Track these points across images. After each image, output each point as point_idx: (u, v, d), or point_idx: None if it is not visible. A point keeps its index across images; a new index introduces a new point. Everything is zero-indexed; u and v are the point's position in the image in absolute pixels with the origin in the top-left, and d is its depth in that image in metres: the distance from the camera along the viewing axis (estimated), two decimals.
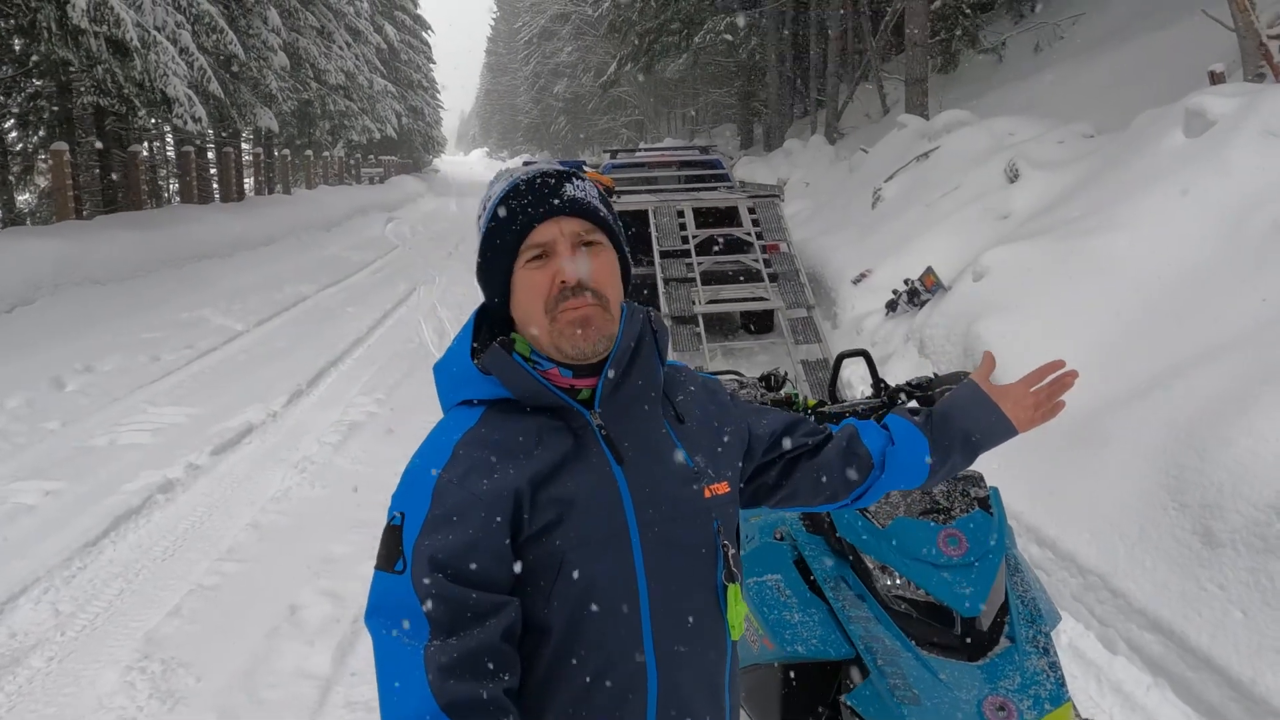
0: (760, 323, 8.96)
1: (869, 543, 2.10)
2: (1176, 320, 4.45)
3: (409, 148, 43.40)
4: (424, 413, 6.56)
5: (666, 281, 7.49)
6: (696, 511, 1.23)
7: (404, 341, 9.12)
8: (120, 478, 5.17)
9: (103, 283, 11.00)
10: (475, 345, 1.27)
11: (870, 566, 2.09)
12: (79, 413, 6.43)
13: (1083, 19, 14.01)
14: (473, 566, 1.12)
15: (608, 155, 11.41)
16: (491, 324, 1.30)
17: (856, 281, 7.73)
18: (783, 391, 2.57)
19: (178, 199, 18.29)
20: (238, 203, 18.81)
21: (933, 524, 2.06)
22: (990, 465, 4.31)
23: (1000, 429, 1.45)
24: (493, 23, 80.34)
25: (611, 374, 1.21)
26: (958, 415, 1.44)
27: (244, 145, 22.21)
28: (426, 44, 47.74)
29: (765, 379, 2.77)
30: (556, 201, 1.20)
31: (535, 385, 1.19)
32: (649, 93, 34.51)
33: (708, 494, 1.25)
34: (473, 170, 70.42)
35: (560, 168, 1.26)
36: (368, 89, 29.73)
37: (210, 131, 17.17)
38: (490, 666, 1.10)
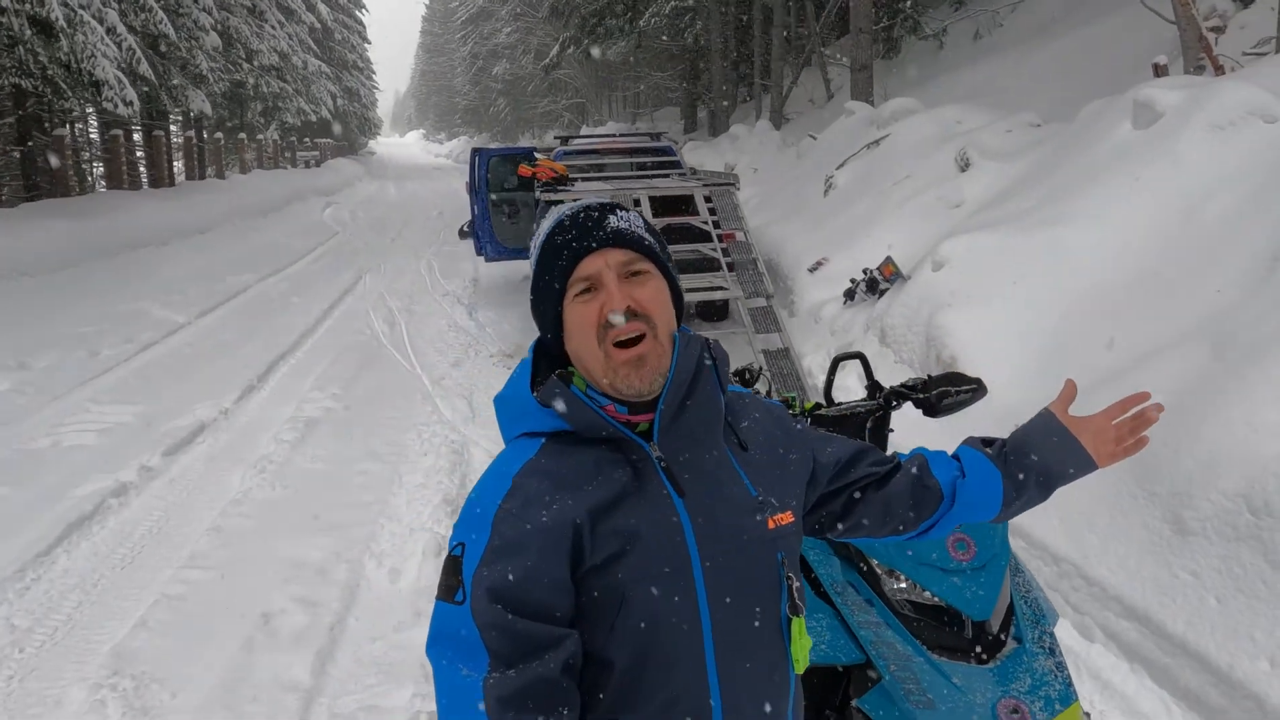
0: (717, 311, 8.98)
1: (877, 548, 2.11)
2: (1135, 311, 4.58)
3: (344, 130, 42.44)
4: (382, 407, 6.46)
5: None
6: (760, 543, 1.23)
7: (355, 333, 8.94)
8: (68, 482, 4.98)
9: (31, 274, 10.57)
10: (535, 378, 1.26)
11: (878, 572, 2.11)
12: (17, 413, 6.17)
13: (1021, 6, 14.27)
14: (532, 598, 1.12)
15: (558, 141, 11.29)
16: (549, 360, 1.29)
17: (813, 270, 7.79)
18: (757, 386, 2.57)
19: (103, 185, 17.64)
20: (169, 188, 18.22)
21: None
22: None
23: (1079, 463, 1.40)
24: (428, 1, 78.86)
25: (665, 409, 1.20)
26: (1034, 447, 1.41)
27: (172, 128, 21.47)
28: (360, 23, 46.70)
29: (740, 374, 2.77)
30: (600, 234, 1.22)
31: (593, 417, 1.19)
32: (590, 75, 34.26)
33: (771, 525, 1.24)
34: (410, 153, 69.24)
35: (604, 201, 1.28)
36: (302, 70, 28.99)
37: (133, 114, 16.56)
38: (550, 700, 1.09)
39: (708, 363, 1.26)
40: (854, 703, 2.06)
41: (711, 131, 22.08)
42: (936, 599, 2.04)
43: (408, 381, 7.16)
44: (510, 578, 1.12)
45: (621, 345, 1.18)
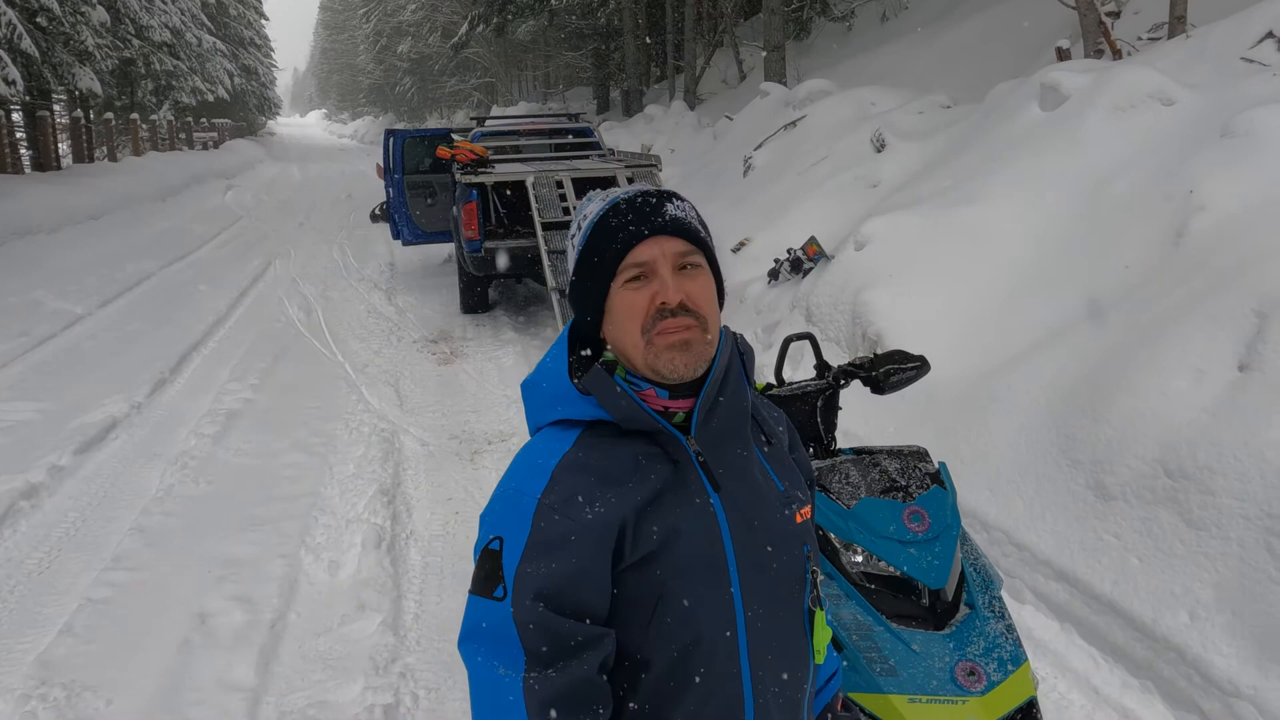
0: None
1: (836, 523, 2.17)
2: (1047, 287, 4.78)
3: (243, 110, 40.88)
4: (305, 397, 6.29)
5: (550, 254, 7.41)
6: (790, 536, 1.24)
7: (269, 321, 8.67)
8: None
9: None
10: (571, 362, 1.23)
11: (837, 546, 2.17)
12: None
13: None
14: (576, 597, 1.11)
15: (474, 122, 11.11)
16: (582, 343, 1.27)
17: (736, 250, 7.88)
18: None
19: None
20: (57, 172, 17.24)
21: (897, 502, 2.16)
22: (888, 431, 4.52)
23: None
24: None
25: (704, 399, 1.19)
26: None
27: (57, 108, 20.30)
28: None
29: None
30: (659, 220, 1.18)
31: (636, 410, 1.16)
32: (500, 55, 33.75)
33: (799, 519, 1.25)
34: (312, 133, 67.15)
35: (660, 189, 1.24)
36: (196, 47, 27.76)
37: (16, 93, 15.61)
38: (589, 700, 1.09)
39: (737, 357, 1.26)
40: None
41: (626, 112, 22.02)
42: (893, 570, 2.11)
43: (330, 370, 6.99)
44: (556, 576, 1.10)
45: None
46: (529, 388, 1.26)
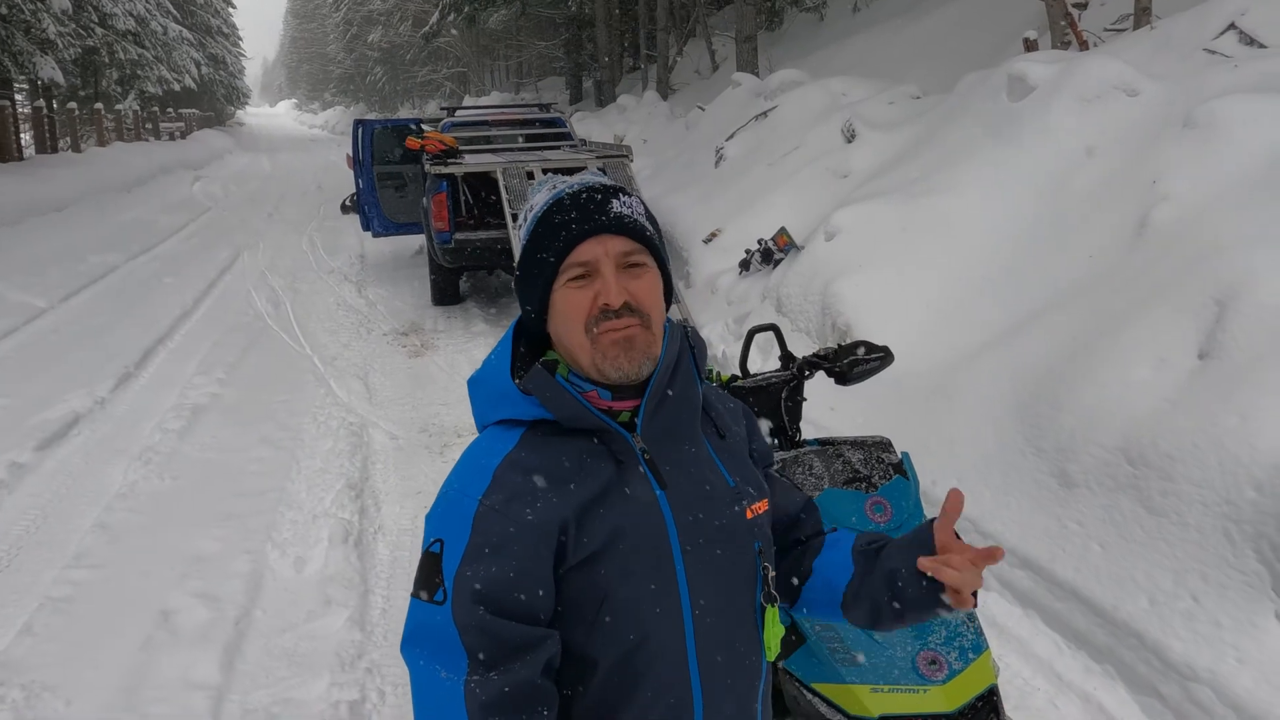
0: None
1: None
2: (1014, 277, 4.82)
3: (211, 100, 40.32)
4: (273, 391, 6.22)
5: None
6: (739, 533, 1.22)
7: (237, 314, 8.56)
8: None
9: None
10: (514, 362, 1.22)
11: None
12: None
13: None
14: (517, 599, 1.09)
15: (444, 112, 11.01)
16: (528, 338, 1.25)
17: (707, 241, 7.88)
18: None
19: None
20: (18, 163, 16.91)
21: (859, 493, 2.17)
22: (855, 421, 4.54)
23: (930, 602, 1.21)
24: None
25: (651, 395, 1.17)
26: (898, 563, 1.25)
27: (18, 97, 19.91)
28: None
29: None
30: (603, 218, 1.15)
31: (578, 409, 1.15)
32: (472, 44, 33.49)
33: (749, 515, 1.23)
34: (282, 123, 66.38)
35: (607, 182, 1.21)
36: (162, 35, 27.33)
37: None
38: (531, 703, 1.08)
39: (687, 351, 1.24)
40: (781, 664, 2.12)
41: (598, 102, 21.95)
42: None
43: (298, 363, 6.92)
44: (494, 579, 1.09)
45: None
46: (475, 385, 1.24)
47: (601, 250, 1.15)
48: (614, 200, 1.18)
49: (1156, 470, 3.03)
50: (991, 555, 1.15)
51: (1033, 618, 3.14)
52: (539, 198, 1.22)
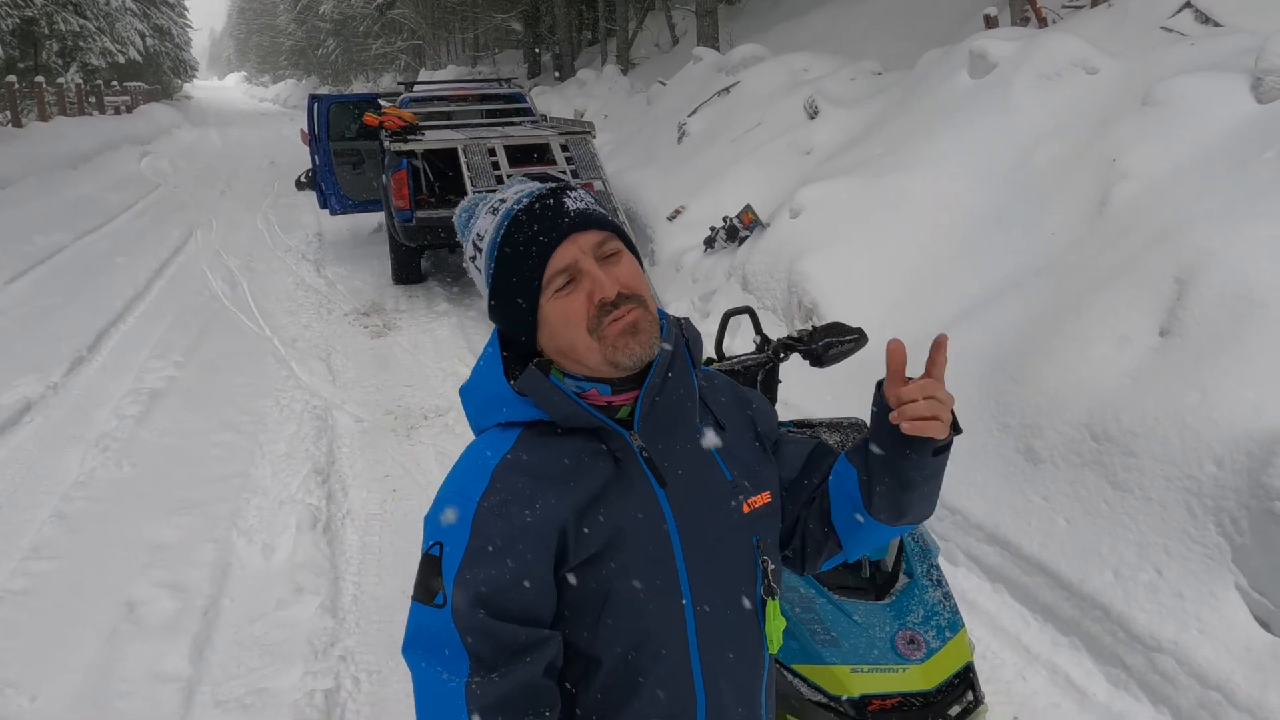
0: None
1: None
2: (978, 254, 4.87)
3: (157, 73, 39.15)
4: (232, 374, 6.11)
5: None
6: (737, 528, 1.22)
7: (192, 294, 8.38)
8: None
9: None
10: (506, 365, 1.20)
11: None
12: None
13: None
14: (516, 601, 1.08)
15: (402, 88, 10.82)
16: (514, 347, 1.23)
17: (671, 218, 7.85)
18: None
19: None
20: None
21: None
22: (825, 398, 4.57)
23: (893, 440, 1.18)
24: None
25: (649, 388, 1.16)
26: (871, 435, 1.23)
27: None
28: None
29: None
30: (565, 221, 1.14)
31: (574, 408, 1.13)
32: (427, 16, 32.89)
33: (746, 509, 1.23)
34: (231, 97, 64.82)
35: (550, 185, 1.19)
36: (104, 5, 26.46)
37: None
38: (534, 704, 1.08)
39: (682, 342, 1.22)
40: None
41: (557, 76, 21.71)
42: None
43: (258, 345, 6.79)
44: (494, 581, 1.08)
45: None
46: (467, 393, 1.23)
47: (577, 250, 1.13)
48: (566, 199, 1.16)
49: (1120, 446, 3.09)
50: (936, 352, 1.15)
51: (1001, 592, 3.20)
52: (484, 224, 1.19)
